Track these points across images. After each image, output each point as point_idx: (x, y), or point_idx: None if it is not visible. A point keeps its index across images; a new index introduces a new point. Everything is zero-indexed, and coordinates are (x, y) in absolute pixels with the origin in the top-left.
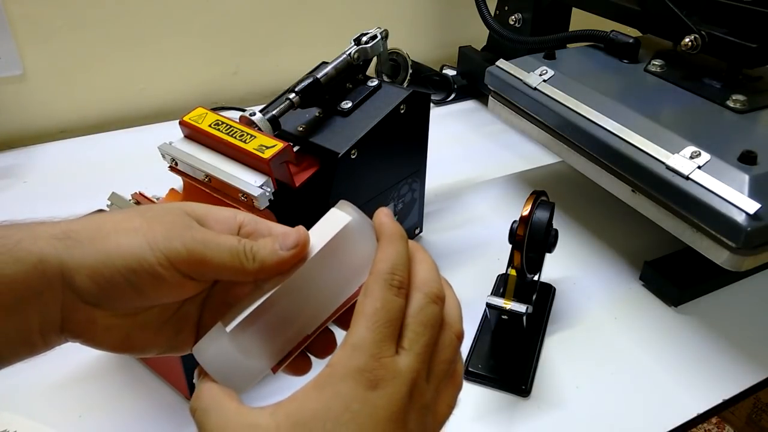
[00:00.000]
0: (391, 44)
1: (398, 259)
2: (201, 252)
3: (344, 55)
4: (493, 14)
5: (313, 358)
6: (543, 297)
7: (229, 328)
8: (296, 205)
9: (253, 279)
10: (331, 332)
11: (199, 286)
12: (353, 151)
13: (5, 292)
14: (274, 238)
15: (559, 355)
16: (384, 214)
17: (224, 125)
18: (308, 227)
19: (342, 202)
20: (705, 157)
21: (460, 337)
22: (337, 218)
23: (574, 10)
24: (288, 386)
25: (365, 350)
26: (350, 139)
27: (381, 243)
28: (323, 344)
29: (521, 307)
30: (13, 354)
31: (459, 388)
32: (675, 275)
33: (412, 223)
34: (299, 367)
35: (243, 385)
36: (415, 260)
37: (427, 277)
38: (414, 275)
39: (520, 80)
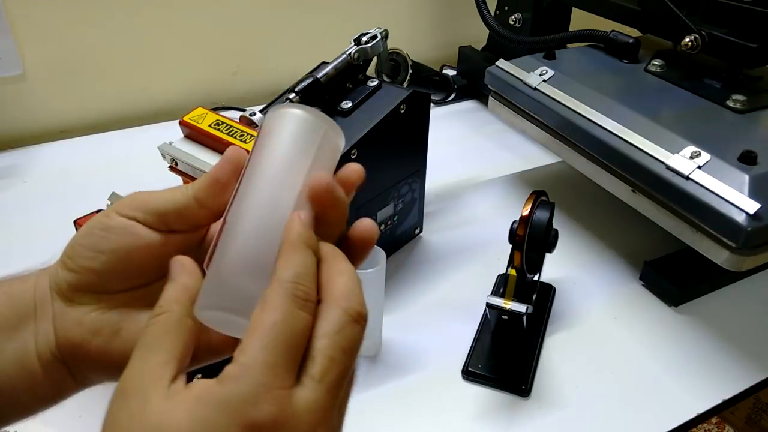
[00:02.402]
0: (391, 44)
1: (303, 267)
2: (141, 195)
3: (344, 55)
4: (493, 14)
5: None
6: (543, 297)
7: (212, 263)
8: None
9: (199, 210)
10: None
11: (159, 237)
12: (353, 151)
13: (10, 311)
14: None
15: (559, 355)
16: (294, 222)
17: (224, 125)
18: None
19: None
20: (705, 157)
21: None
22: (271, 118)
23: (574, 10)
24: None
25: (253, 375)
26: (350, 139)
27: (282, 249)
28: (362, 237)
29: (521, 307)
30: (11, 385)
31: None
32: (675, 275)
33: (412, 223)
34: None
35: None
36: (334, 270)
37: (348, 289)
38: (332, 287)
39: (520, 80)
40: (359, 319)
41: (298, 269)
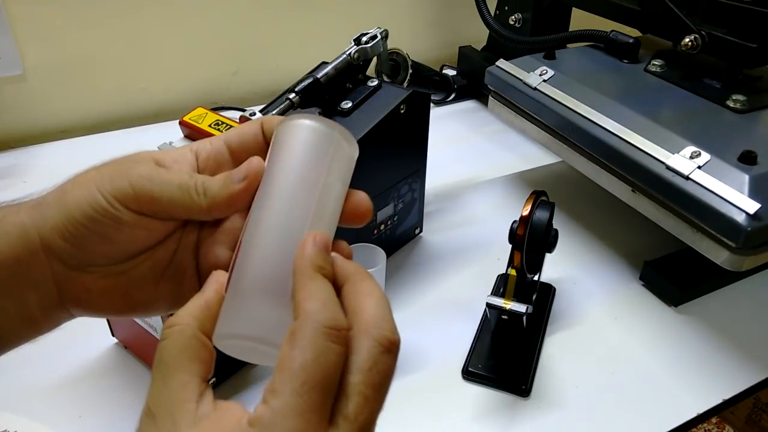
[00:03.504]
0: (391, 44)
1: (325, 294)
2: (147, 189)
3: (344, 55)
4: (493, 14)
5: None
6: (543, 297)
7: (239, 287)
8: None
9: (209, 215)
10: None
11: (168, 225)
12: None
13: None
14: (227, 173)
15: (559, 355)
16: (307, 247)
17: (224, 125)
18: None
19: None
20: (705, 157)
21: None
22: (285, 128)
23: (574, 10)
24: None
25: (285, 425)
26: None
27: (296, 279)
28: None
29: (521, 307)
30: (16, 334)
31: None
32: (675, 275)
33: (412, 223)
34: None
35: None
36: (361, 293)
37: (379, 316)
38: (361, 312)
39: (520, 80)
40: (392, 348)
41: (323, 298)
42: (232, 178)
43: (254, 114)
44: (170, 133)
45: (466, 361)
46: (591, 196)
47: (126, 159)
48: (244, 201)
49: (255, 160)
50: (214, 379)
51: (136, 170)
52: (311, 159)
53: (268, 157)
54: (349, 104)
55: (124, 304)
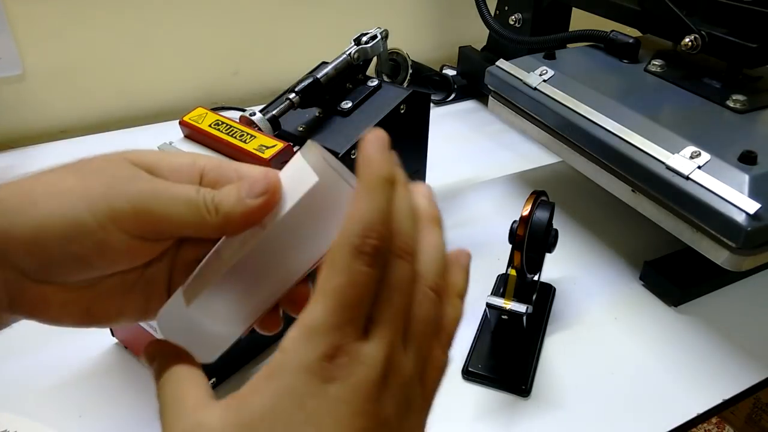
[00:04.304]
0: (391, 44)
1: (375, 215)
2: (150, 208)
3: (344, 55)
4: (493, 14)
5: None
6: (543, 297)
7: (192, 303)
8: None
9: (219, 234)
10: (305, 283)
11: (158, 246)
12: (353, 151)
13: None
14: (239, 185)
15: (559, 355)
16: (370, 146)
17: (224, 125)
18: None
19: (309, 145)
20: (705, 157)
21: (435, 287)
22: (303, 174)
23: (574, 10)
24: None
25: (323, 337)
26: (350, 139)
27: (357, 190)
28: (292, 298)
29: (521, 307)
30: None
31: (450, 340)
32: (675, 275)
33: None
34: (268, 323)
35: (209, 354)
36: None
37: (401, 223)
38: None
39: (520, 80)
40: (403, 255)
41: (371, 217)
42: (249, 191)
43: (254, 114)
44: (170, 133)
45: (466, 361)
46: (591, 196)
47: (113, 164)
48: (260, 218)
49: (273, 174)
50: (214, 380)
51: (135, 186)
52: (307, 218)
53: (286, 173)
54: (349, 104)
55: (85, 317)
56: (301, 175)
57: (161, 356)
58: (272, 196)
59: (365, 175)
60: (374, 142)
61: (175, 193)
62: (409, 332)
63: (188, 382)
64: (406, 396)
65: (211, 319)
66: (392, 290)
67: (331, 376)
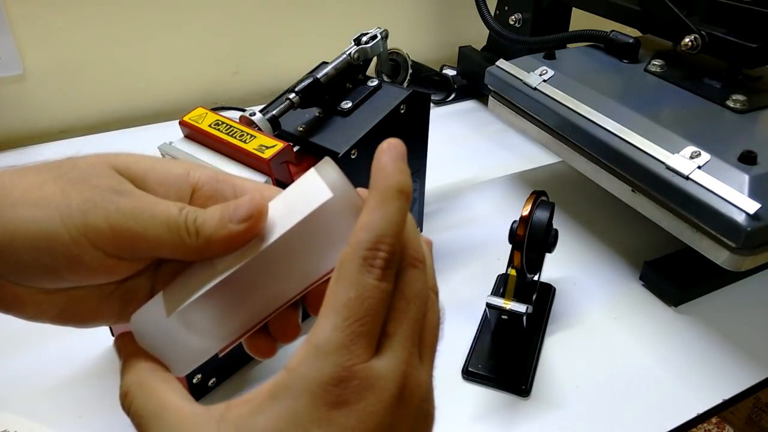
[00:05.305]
0: (391, 44)
1: (387, 226)
2: (128, 228)
3: (344, 55)
4: (493, 14)
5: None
6: (543, 297)
7: (174, 311)
8: None
9: (199, 257)
10: (294, 310)
11: (136, 264)
12: (353, 151)
13: None
14: (224, 206)
15: (559, 355)
16: (386, 155)
17: (224, 125)
18: None
19: (325, 162)
20: (705, 157)
21: (435, 290)
22: (315, 189)
23: (574, 10)
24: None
25: (330, 358)
26: (350, 139)
27: (369, 200)
28: (283, 326)
29: (521, 307)
30: None
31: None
32: (675, 275)
33: None
34: (263, 348)
35: (183, 367)
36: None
37: (410, 234)
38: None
39: (520, 80)
40: (416, 263)
41: (383, 229)
42: (231, 216)
43: (254, 114)
44: (170, 133)
45: (466, 361)
46: (591, 196)
47: (97, 173)
48: (242, 243)
49: (259, 198)
50: (214, 380)
51: (114, 203)
52: (329, 239)
53: (289, 194)
54: (349, 104)
55: (61, 316)
56: (313, 189)
57: (131, 352)
58: (256, 221)
59: (378, 185)
60: (390, 152)
61: (156, 213)
62: (423, 342)
63: (167, 390)
64: (422, 411)
65: (192, 331)
66: (409, 301)
67: (338, 401)
